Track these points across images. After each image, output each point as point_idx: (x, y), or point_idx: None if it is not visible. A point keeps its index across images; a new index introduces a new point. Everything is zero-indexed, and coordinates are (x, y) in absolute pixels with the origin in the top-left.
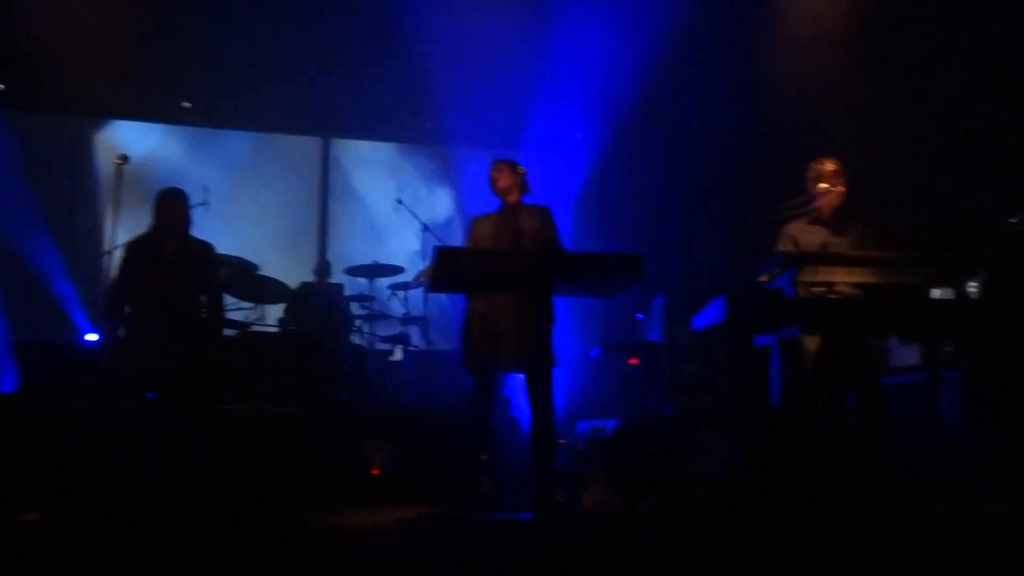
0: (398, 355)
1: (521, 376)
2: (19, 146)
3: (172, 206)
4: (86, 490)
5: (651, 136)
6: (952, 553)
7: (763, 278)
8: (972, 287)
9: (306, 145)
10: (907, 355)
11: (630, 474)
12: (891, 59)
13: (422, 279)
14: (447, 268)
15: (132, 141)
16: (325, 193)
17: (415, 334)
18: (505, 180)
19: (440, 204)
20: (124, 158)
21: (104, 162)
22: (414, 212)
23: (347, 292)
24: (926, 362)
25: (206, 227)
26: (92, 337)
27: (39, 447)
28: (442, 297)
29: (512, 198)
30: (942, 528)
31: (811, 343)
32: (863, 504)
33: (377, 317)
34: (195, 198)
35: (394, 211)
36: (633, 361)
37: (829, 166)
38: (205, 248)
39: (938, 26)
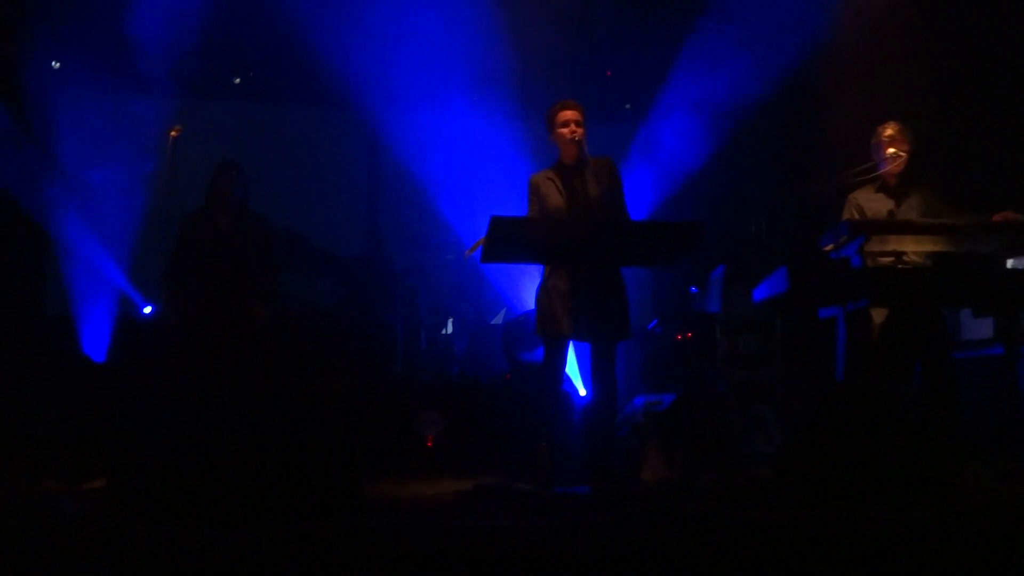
0: (449, 327)
1: (578, 348)
2: (67, 122)
3: (227, 179)
4: (151, 458)
5: (703, 104)
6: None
7: (828, 247)
8: None
9: (356, 119)
10: (980, 328)
11: (688, 449)
12: (957, 10)
13: (473, 251)
14: (501, 239)
15: (183, 117)
16: (375, 166)
17: (466, 306)
18: (582, 131)
19: (495, 177)
20: (181, 129)
21: (151, 137)
22: (467, 184)
23: (398, 264)
24: (1001, 336)
25: (256, 202)
26: (148, 310)
27: (106, 415)
28: (494, 268)
29: (580, 153)
30: (1014, 508)
31: (878, 315)
32: (933, 481)
33: (428, 289)
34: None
35: (448, 184)
36: (684, 336)
37: (892, 130)
38: (260, 221)
39: None
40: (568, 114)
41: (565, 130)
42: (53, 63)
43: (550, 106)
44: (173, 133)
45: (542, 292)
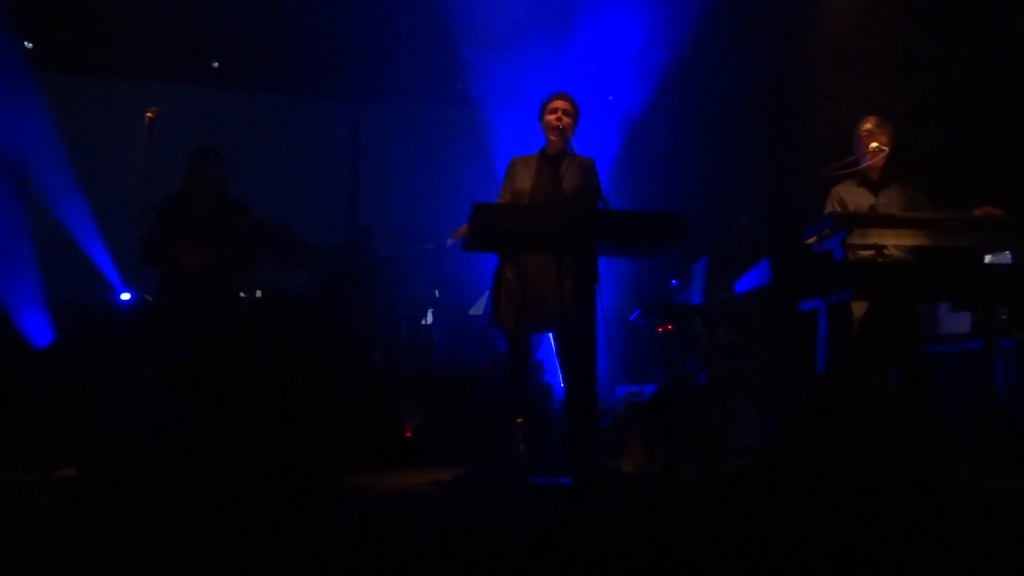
0: (429, 318)
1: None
2: (50, 106)
3: (206, 165)
4: (124, 446)
5: (686, 97)
6: (1001, 526)
7: (811, 240)
8: None
9: (335, 108)
10: (958, 322)
11: (669, 440)
12: (942, 6)
13: (456, 238)
14: (483, 226)
15: (160, 100)
16: (355, 156)
17: (446, 297)
18: (569, 121)
19: (473, 165)
20: (157, 111)
21: (132, 122)
22: (446, 174)
23: (378, 255)
24: (979, 330)
25: (235, 190)
26: (126, 296)
27: (75, 403)
28: (475, 259)
29: (562, 144)
30: (991, 500)
31: (857, 308)
32: (913, 474)
33: (408, 280)
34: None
35: (426, 173)
36: (664, 328)
37: (872, 124)
38: (240, 209)
39: None
40: (558, 103)
41: (552, 116)
42: (25, 43)
43: (545, 95)
44: (149, 115)
45: (494, 283)
